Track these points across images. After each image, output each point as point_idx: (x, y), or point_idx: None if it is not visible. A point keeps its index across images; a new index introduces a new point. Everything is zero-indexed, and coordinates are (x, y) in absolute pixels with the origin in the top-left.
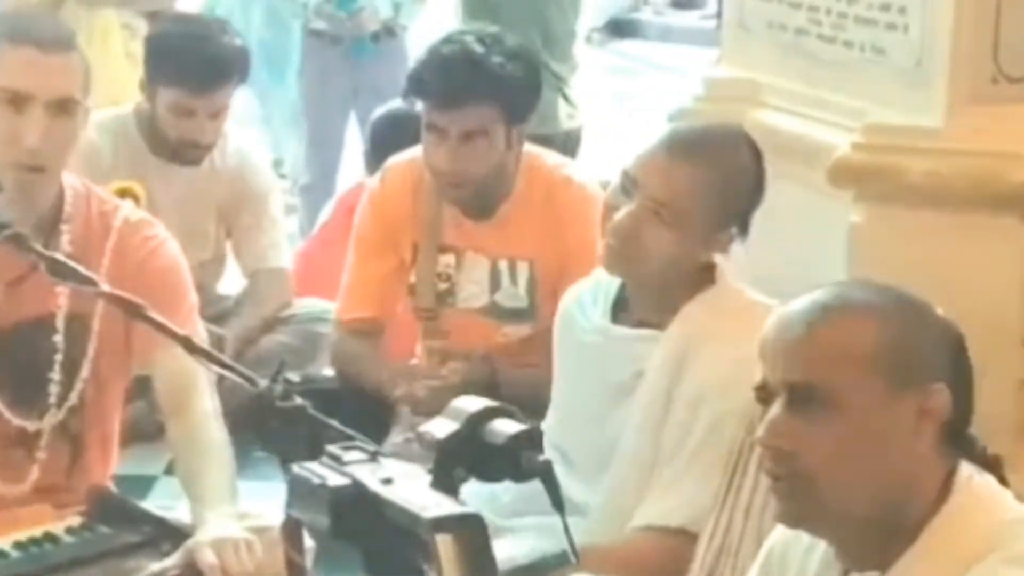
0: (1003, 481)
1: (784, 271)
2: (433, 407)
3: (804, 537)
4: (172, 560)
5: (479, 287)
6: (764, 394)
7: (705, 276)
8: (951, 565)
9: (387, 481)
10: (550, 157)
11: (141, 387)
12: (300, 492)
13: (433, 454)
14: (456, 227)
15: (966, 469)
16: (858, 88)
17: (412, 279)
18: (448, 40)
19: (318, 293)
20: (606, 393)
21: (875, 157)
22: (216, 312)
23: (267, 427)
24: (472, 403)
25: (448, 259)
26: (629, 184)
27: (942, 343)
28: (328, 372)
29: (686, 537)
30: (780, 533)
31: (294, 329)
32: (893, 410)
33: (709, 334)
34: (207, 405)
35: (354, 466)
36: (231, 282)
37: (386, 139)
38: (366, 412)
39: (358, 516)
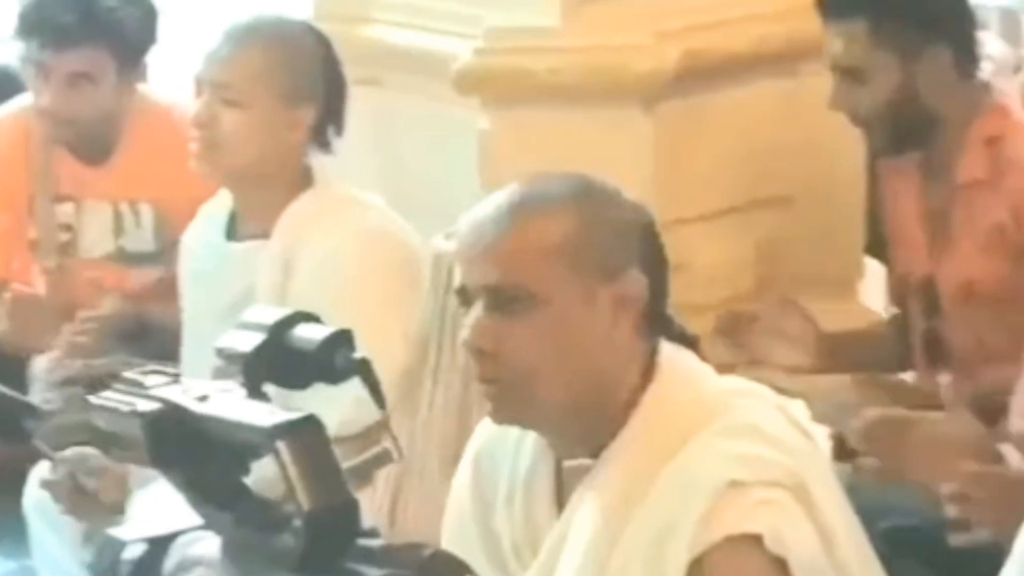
0: (703, 359)
1: (420, 184)
2: (93, 349)
3: (511, 432)
4: None
5: (101, 233)
6: (464, 297)
7: (304, 179)
8: (664, 442)
9: (203, 399)
10: (165, 95)
11: None
12: (104, 423)
13: (237, 368)
14: (71, 175)
15: (667, 349)
16: None
17: (32, 234)
18: None
19: None
20: (227, 315)
21: (497, 60)
22: None
23: None
24: (269, 313)
25: (67, 208)
26: (201, 85)
27: (632, 230)
28: None
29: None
30: (484, 434)
31: None
32: (590, 301)
33: (309, 233)
34: None
35: (160, 389)
36: None
37: None
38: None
39: (177, 439)
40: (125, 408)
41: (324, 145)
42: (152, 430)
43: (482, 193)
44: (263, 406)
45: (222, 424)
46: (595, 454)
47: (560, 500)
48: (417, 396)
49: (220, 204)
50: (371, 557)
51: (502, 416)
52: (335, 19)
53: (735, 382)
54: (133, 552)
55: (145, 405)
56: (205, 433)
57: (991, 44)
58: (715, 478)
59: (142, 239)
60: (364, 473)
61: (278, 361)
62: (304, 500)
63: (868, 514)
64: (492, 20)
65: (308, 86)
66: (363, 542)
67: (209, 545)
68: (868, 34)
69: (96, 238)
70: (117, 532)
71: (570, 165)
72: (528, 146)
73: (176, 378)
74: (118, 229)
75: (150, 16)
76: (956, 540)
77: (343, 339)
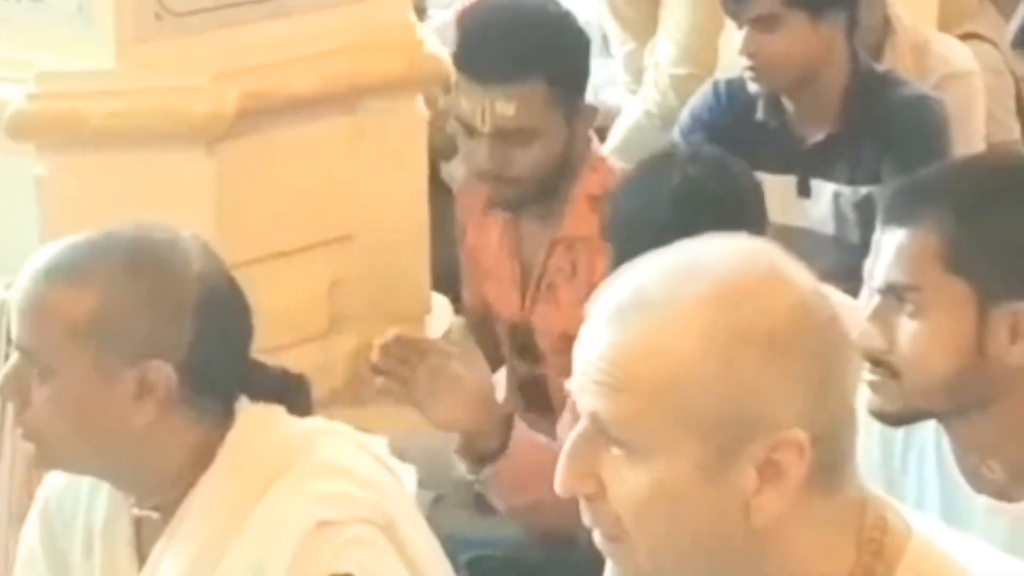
0: (307, 398)
1: None
2: None
3: (84, 480)
4: None
5: None
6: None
7: None
8: (246, 488)
9: None
10: None
11: None
12: None
13: None
14: None
15: (244, 402)
16: (24, 39)
17: None
18: None
19: None
20: None
21: (52, 105)
22: None
23: None
24: None
25: None
26: None
27: (190, 304)
28: None
29: None
30: (54, 483)
31: None
32: (108, 380)
33: None
34: None
35: None
36: None
37: None
38: None
39: None
40: None
41: None
42: None
43: (43, 242)
44: None
45: None
46: (172, 507)
47: (141, 549)
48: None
49: None
50: None
51: (38, 462)
52: None
53: (315, 422)
54: None
55: None
56: None
57: None
58: (304, 519)
59: None
60: None
61: None
62: None
63: (452, 545)
64: (45, 64)
65: None
66: None
67: None
68: (544, 96)
69: None
70: None
71: (132, 209)
72: (88, 191)
73: None
74: None
75: None
76: None
77: None
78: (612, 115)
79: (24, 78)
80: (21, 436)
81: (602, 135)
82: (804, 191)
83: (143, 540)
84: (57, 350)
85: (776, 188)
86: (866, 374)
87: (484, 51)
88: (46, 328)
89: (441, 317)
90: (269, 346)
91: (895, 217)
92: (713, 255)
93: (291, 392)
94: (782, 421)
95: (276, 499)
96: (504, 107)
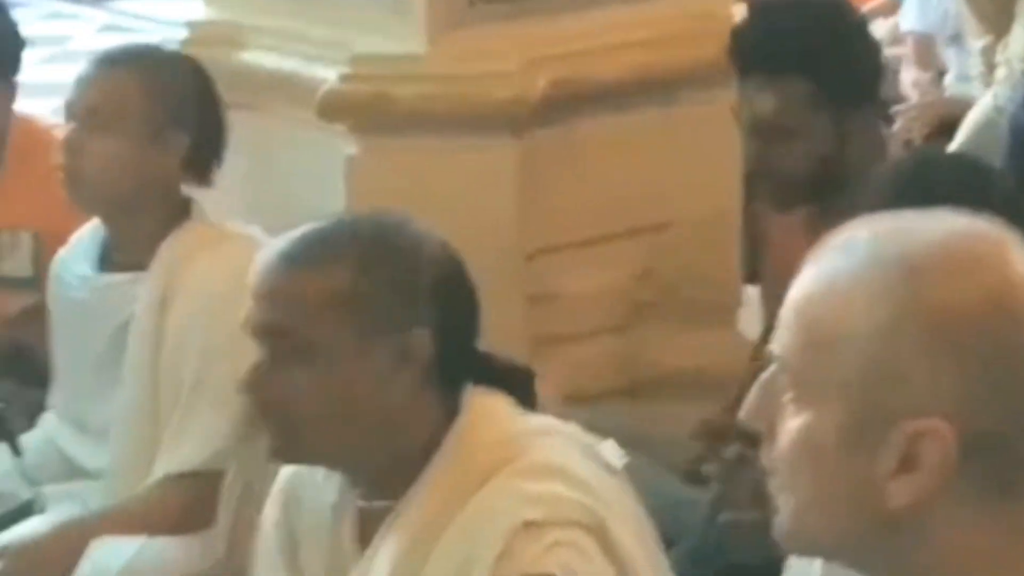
0: (531, 392)
1: (291, 209)
2: None
3: (318, 468)
4: None
5: None
6: (254, 333)
7: (182, 212)
8: (464, 482)
9: None
10: (45, 119)
11: None
12: None
13: None
14: None
15: (475, 391)
16: (342, 19)
17: None
18: None
19: None
20: (102, 346)
21: (364, 87)
22: None
23: None
24: None
25: None
26: (70, 111)
27: (419, 286)
28: None
29: (203, 479)
30: (291, 468)
31: None
32: (365, 353)
33: (187, 269)
34: None
35: None
36: None
37: None
38: None
39: None
40: None
41: (201, 176)
42: None
43: None
44: None
45: None
46: (397, 496)
47: (364, 539)
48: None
49: (91, 232)
50: None
51: (280, 457)
52: (208, 43)
53: (542, 421)
54: None
55: None
56: None
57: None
58: (511, 518)
59: (19, 265)
60: (4, 525)
61: None
62: None
63: None
64: (360, 47)
65: (179, 115)
66: None
67: None
68: (806, 94)
69: None
70: None
71: (436, 193)
72: (394, 173)
73: None
74: None
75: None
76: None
77: None
78: (964, 108)
79: (339, 60)
80: (270, 431)
81: (953, 127)
82: None
83: (366, 530)
84: (319, 323)
85: None
86: None
87: (749, 41)
88: (307, 303)
89: (753, 311)
90: (568, 333)
91: None
92: (940, 227)
93: (517, 385)
94: (929, 409)
95: (489, 495)
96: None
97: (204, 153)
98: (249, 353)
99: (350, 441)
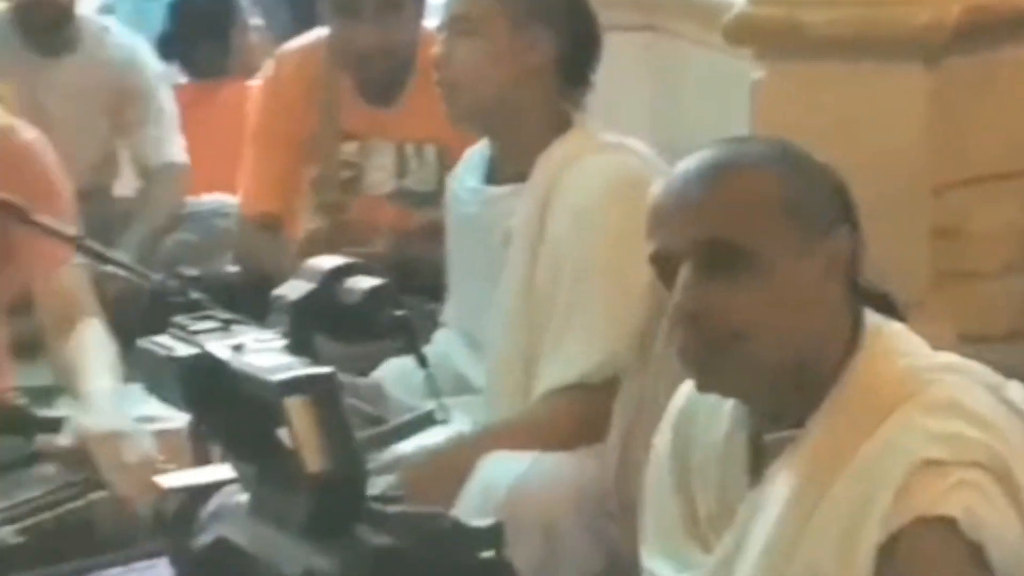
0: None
1: (691, 131)
2: None
3: (709, 397)
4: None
5: (385, 173)
6: (663, 264)
7: (561, 123)
8: (867, 414)
9: (237, 348)
10: None
11: None
12: (148, 366)
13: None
14: (357, 113)
15: (872, 317)
16: None
17: (315, 172)
18: None
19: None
20: (488, 260)
21: (773, 11)
22: (114, 213)
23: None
24: (327, 261)
25: (351, 147)
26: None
27: (833, 190)
28: (231, 268)
29: (591, 392)
30: (685, 394)
31: (195, 226)
32: (804, 257)
33: (563, 179)
34: (95, 325)
35: (203, 335)
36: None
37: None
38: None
39: (209, 387)
40: (163, 353)
41: (577, 83)
42: (185, 377)
43: None
44: (289, 359)
45: (242, 376)
46: (795, 424)
47: (754, 471)
48: (651, 349)
49: (482, 146)
50: (383, 523)
51: (709, 384)
52: None
53: (947, 357)
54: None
55: (183, 351)
56: (235, 384)
57: None
58: (911, 455)
59: (424, 179)
60: (405, 434)
61: (325, 312)
62: (308, 462)
63: None
64: None
65: (544, 12)
66: (377, 507)
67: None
68: None
69: (381, 177)
70: (160, 480)
71: (845, 119)
72: (801, 98)
73: (227, 325)
74: (401, 169)
75: None
76: None
77: (386, 294)
78: None
79: None
80: (693, 354)
81: None
82: None
83: (759, 462)
84: (755, 235)
85: None
86: None
87: None
88: (740, 215)
89: None
90: (972, 270)
91: None
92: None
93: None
94: None
95: (889, 431)
96: None
97: (575, 57)
98: (626, 266)
99: (785, 357)
